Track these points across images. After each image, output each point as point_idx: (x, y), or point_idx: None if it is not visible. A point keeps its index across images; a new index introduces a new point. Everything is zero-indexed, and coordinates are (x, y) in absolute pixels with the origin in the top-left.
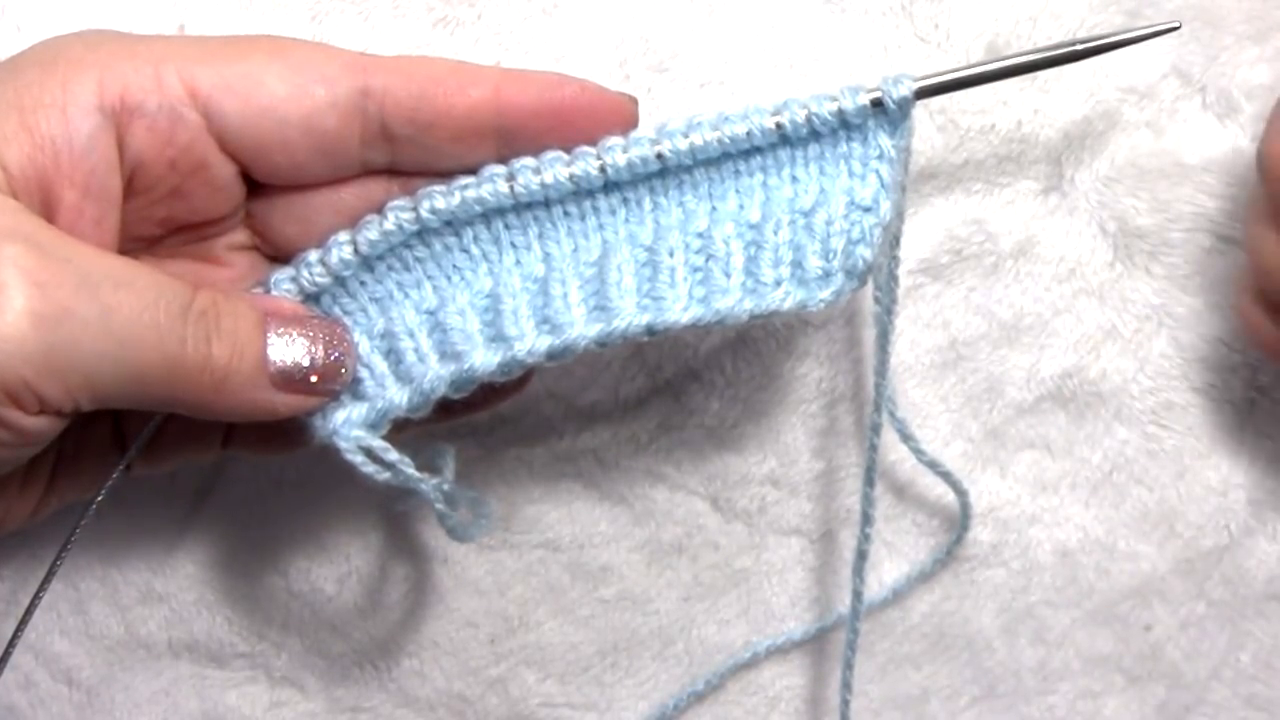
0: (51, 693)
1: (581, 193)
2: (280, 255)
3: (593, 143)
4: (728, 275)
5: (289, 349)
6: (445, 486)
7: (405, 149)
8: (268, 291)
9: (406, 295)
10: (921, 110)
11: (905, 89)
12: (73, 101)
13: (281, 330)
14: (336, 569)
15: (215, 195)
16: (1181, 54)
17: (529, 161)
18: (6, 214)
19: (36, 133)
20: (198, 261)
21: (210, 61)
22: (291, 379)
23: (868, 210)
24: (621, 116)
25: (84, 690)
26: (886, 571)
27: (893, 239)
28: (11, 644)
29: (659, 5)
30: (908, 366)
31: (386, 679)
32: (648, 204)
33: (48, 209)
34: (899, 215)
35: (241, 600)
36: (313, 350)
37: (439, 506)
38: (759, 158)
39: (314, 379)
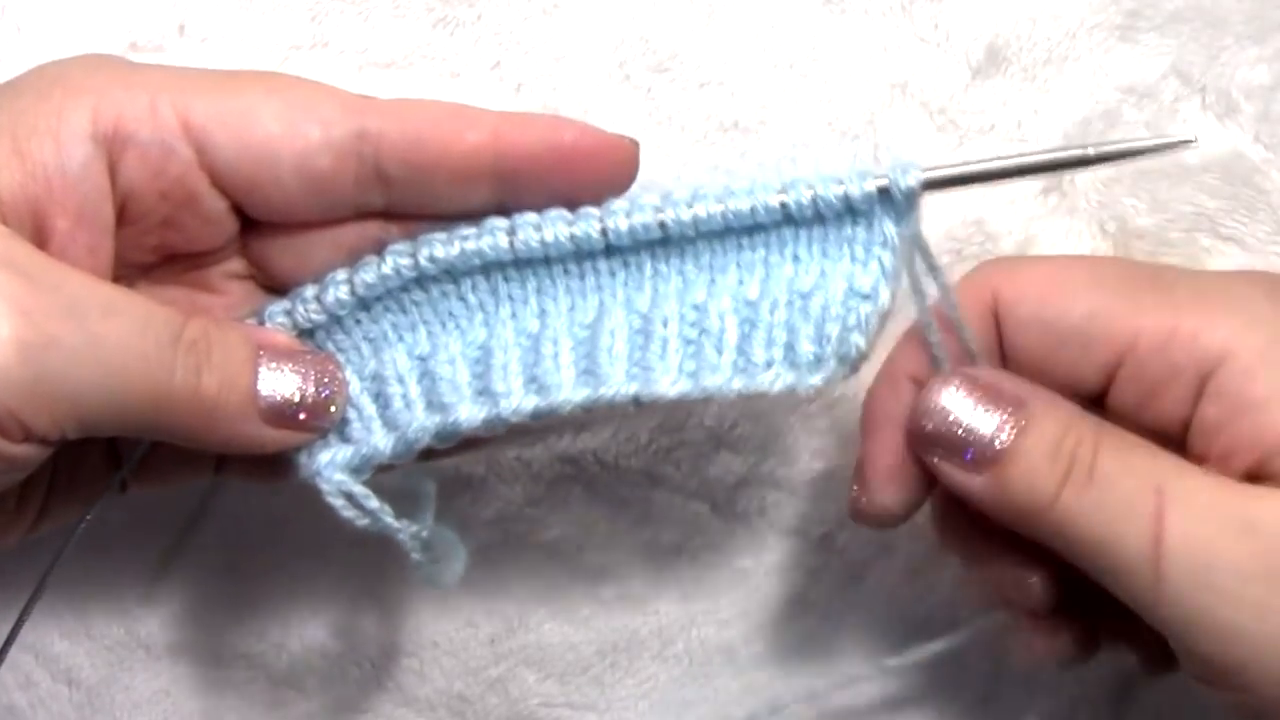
0: (51, 693)
1: (582, 253)
2: (276, 285)
3: (592, 188)
4: (719, 351)
5: (280, 383)
6: (424, 534)
7: (401, 191)
8: (261, 323)
9: (400, 338)
10: (921, 111)
11: (913, 179)
12: (66, 129)
13: (274, 364)
14: (336, 569)
15: (207, 227)
16: (1181, 54)
17: (531, 218)
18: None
19: (29, 159)
20: (192, 289)
21: (205, 94)
22: (281, 414)
23: (866, 298)
24: (621, 159)
25: (84, 690)
26: (887, 571)
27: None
28: (1, 655)
29: (659, 5)
30: None
31: (386, 679)
32: (648, 269)
33: (40, 236)
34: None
35: (242, 600)
36: (304, 387)
37: (415, 557)
38: (762, 234)
39: (303, 416)
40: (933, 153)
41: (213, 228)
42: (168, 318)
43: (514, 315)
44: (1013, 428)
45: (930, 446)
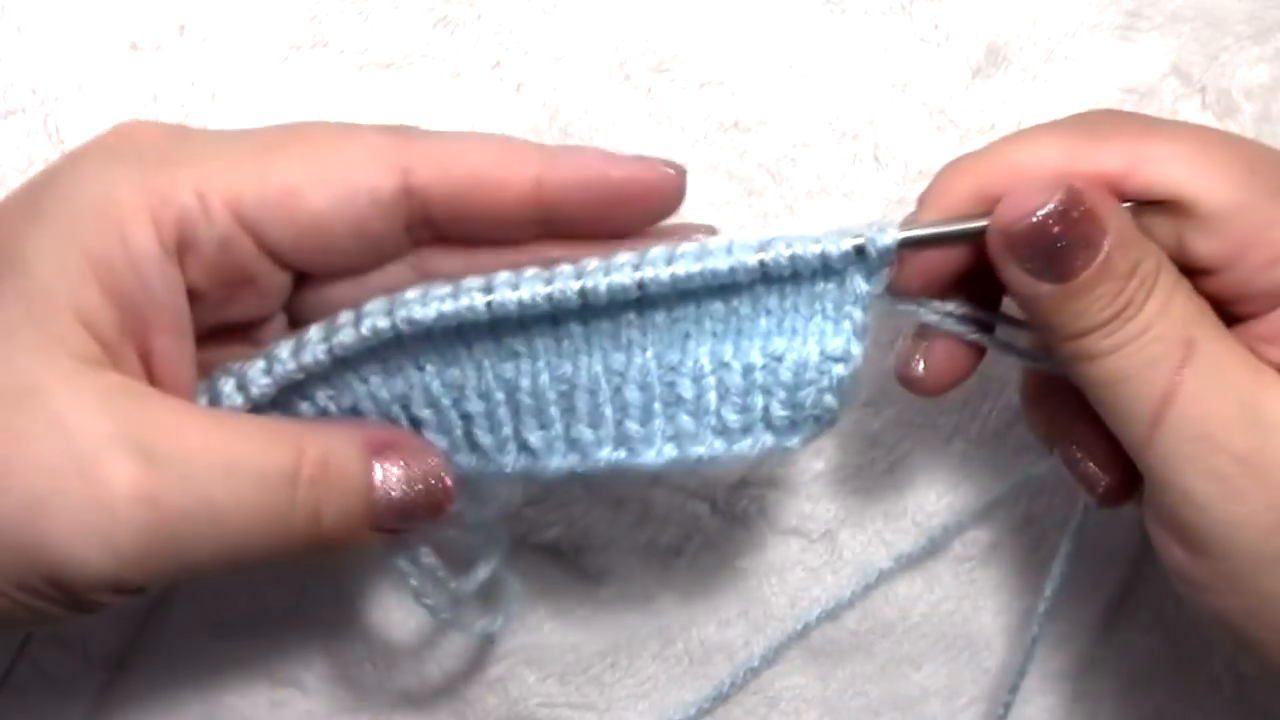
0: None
1: (559, 312)
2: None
3: (640, 220)
4: (697, 417)
5: (397, 505)
6: (462, 591)
7: (449, 229)
8: (243, 386)
9: (383, 389)
10: (921, 111)
11: (889, 239)
12: (143, 257)
13: (391, 493)
14: (336, 568)
15: (265, 298)
16: (1181, 54)
17: (507, 277)
18: (119, 405)
19: (113, 292)
20: (231, 346)
21: (249, 181)
22: (391, 524)
23: (839, 359)
24: (668, 191)
25: (85, 690)
26: (888, 570)
27: None
28: None
29: (659, 5)
30: None
31: (386, 679)
32: (623, 324)
33: (147, 363)
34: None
35: (242, 600)
36: (417, 503)
37: (441, 616)
38: (735, 293)
39: (413, 523)
40: (933, 152)
41: (270, 297)
42: (283, 462)
43: (493, 370)
44: (1092, 256)
45: (1012, 244)
